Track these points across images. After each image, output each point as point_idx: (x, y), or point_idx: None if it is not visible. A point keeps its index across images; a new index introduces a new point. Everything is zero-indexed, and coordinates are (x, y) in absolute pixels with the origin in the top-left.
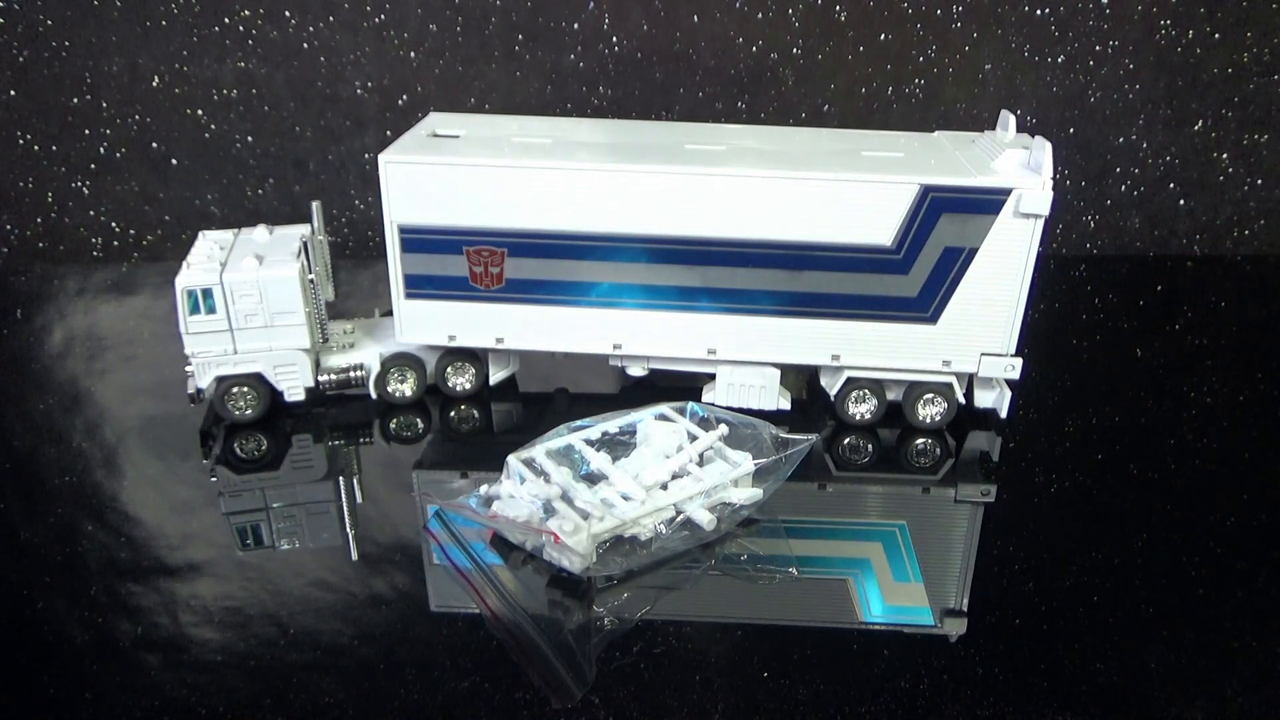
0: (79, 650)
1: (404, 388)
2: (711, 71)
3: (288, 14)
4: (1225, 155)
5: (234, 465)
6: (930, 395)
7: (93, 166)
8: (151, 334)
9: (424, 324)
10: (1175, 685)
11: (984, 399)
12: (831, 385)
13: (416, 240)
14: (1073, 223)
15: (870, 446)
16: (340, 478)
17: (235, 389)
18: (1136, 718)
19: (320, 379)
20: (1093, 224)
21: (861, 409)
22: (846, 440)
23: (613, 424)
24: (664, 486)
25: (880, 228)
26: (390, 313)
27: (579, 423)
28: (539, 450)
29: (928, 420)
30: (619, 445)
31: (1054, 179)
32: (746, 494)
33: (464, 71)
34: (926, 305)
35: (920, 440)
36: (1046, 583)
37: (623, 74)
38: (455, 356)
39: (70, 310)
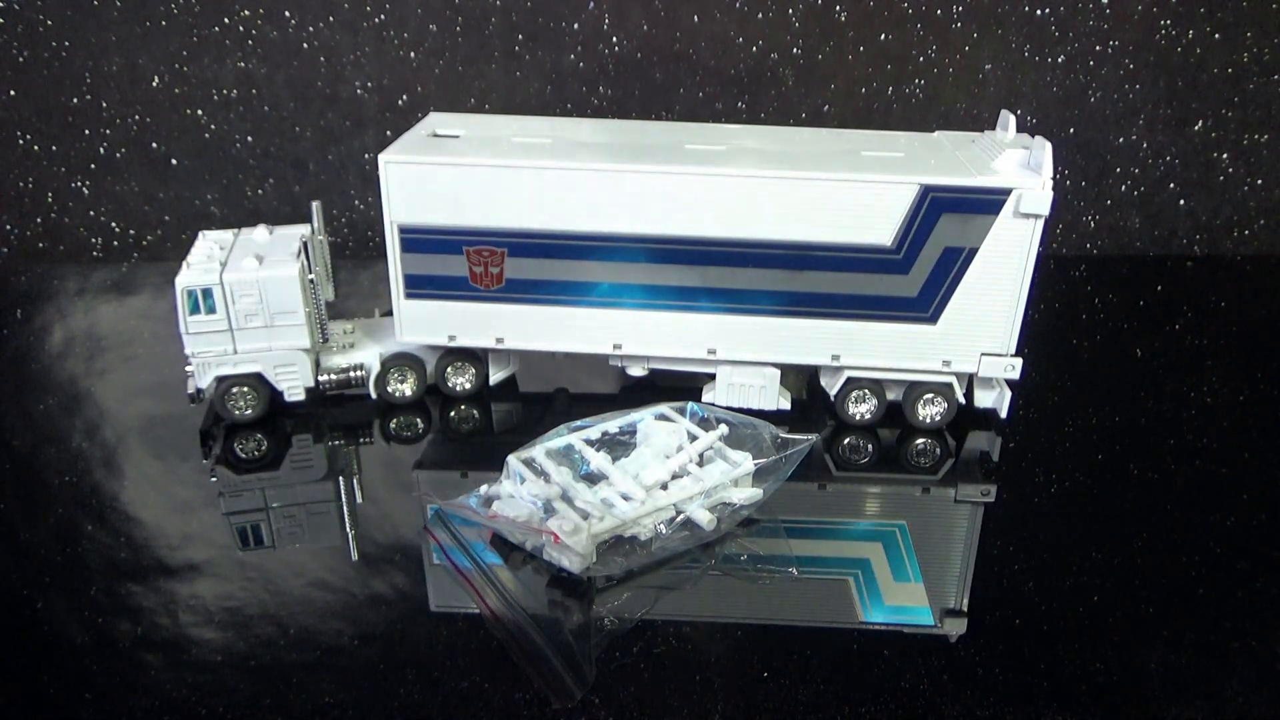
0: (79, 650)
1: (404, 388)
2: (711, 71)
3: (288, 14)
4: (1225, 155)
5: (234, 465)
6: (930, 395)
7: (93, 166)
8: (151, 334)
9: (424, 324)
10: (1175, 685)
11: (984, 399)
12: (831, 385)
13: (416, 240)
14: (1073, 223)
15: (870, 446)
16: (340, 478)
17: (235, 389)
18: (1136, 718)
19: (320, 379)
20: (1093, 224)
21: (861, 409)
22: (846, 440)
23: (613, 424)
24: (664, 486)
25: (880, 228)
26: (390, 313)
27: (579, 423)
28: (539, 450)
29: (928, 420)
30: (619, 445)
31: (1054, 179)
32: (746, 494)
33: (464, 71)
34: (926, 305)
35: (920, 440)
36: (1046, 583)
37: (623, 74)
38: (455, 356)
39: (70, 310)
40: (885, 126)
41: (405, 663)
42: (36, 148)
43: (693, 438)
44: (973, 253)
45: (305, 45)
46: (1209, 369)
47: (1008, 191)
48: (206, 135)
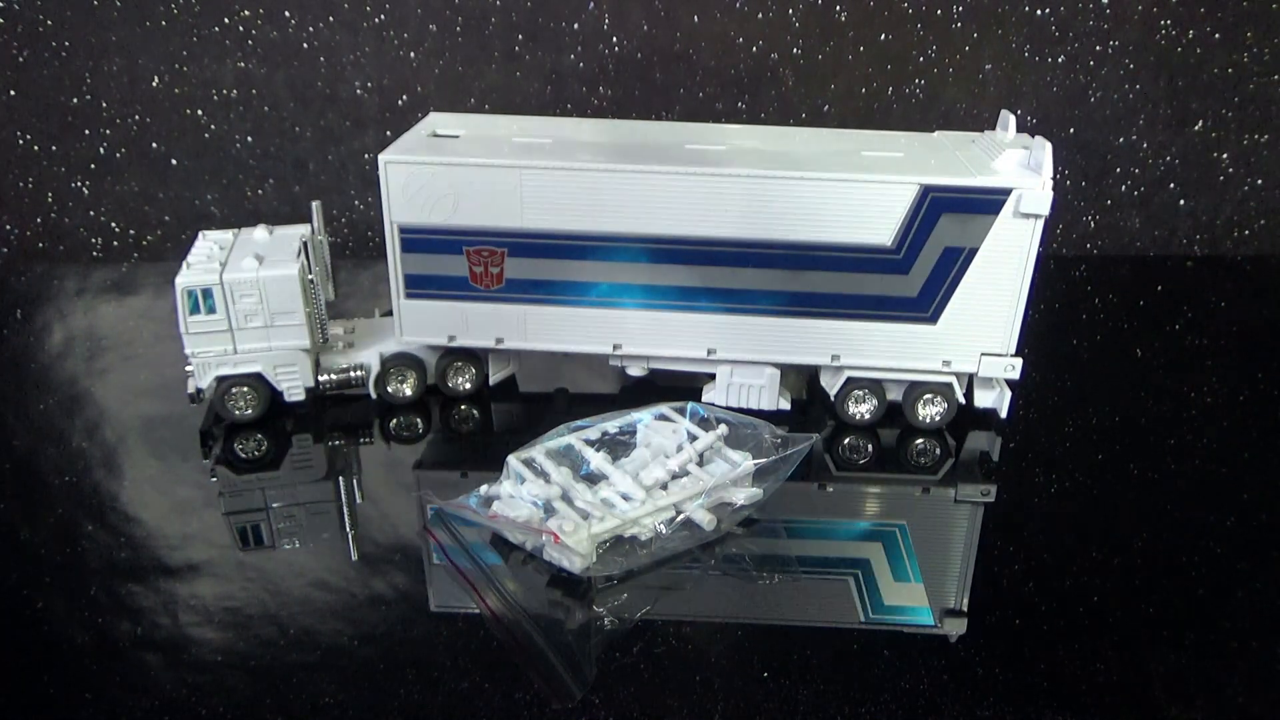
0: (79, 650)
1: (404, 388)
2: (711, 71)
3: (288, 14)
4: (1225, 155)
5: (234, 465)
6: (930, 395)
7: (93, 166)
8: (151, 334)
9: (424, 324)
10: (1175, 685)
11: (984, 399)
12: (831, 385)
13: (416, 240)
14: (1073, 223)
15: (870, 446)
16: (340, 478)
17: (235, 389)
18: (1136, 718)
19: (320, 379)
20: (1093, 224)
21: (861, 409)
22: (846, 440)
23: (613, 424)
24: (664, 486)
25: (880, 228)
26: (390, 313)
27: (579, 423)
28: (539, 450)
29: (928, 420)
30: (619, 445)
31: (1054, 179)
32: (746, 494)
33: (464, 71)
34: (926, 305)
35: (920, 440)
36: (1046, 583)
37: (623, 74)
38: (455, 356)
39: (70, 310)
40: (885, 126)
41: (405, 663)
42: (36, 148)
43: (693, 438)
44: (973, 253)
45: (305, 45)
46: (1209, 369)
47: (1008, 191)
48: (206, 135)
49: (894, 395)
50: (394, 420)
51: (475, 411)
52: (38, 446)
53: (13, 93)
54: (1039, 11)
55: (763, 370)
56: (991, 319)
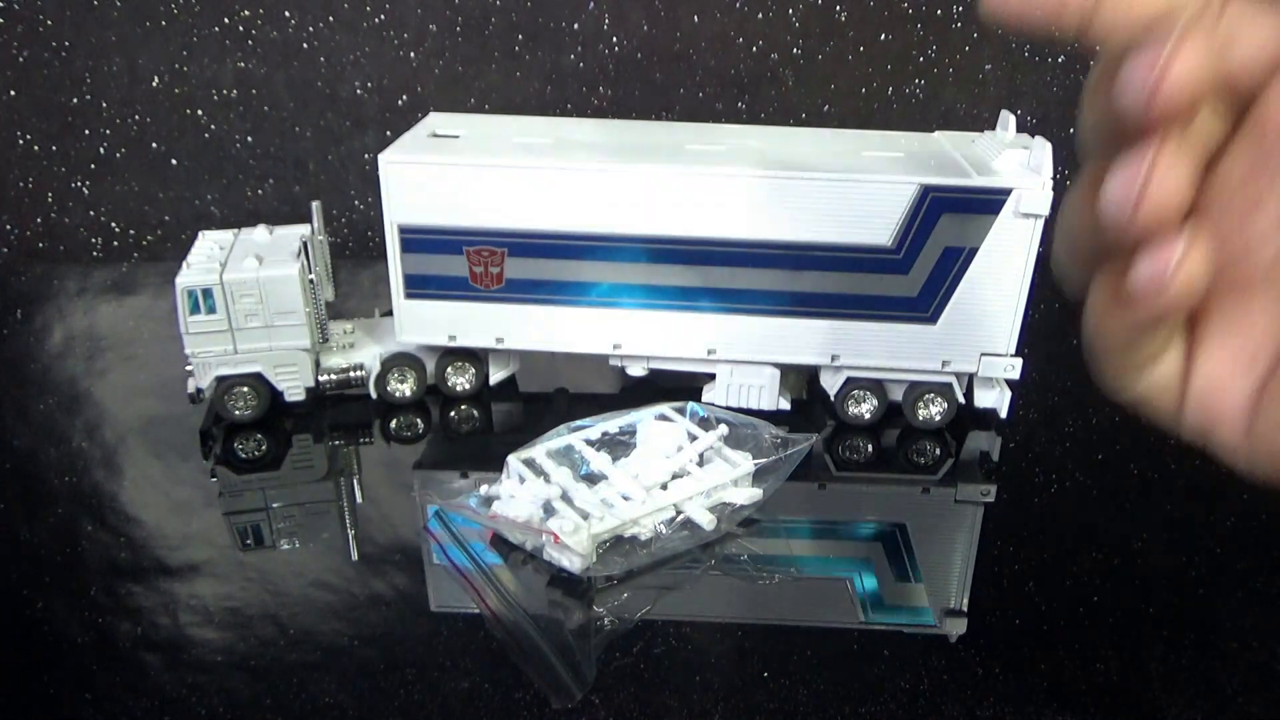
0: (79, 650)
1: (404, 388)
2: (711, 71)
3: (288, 14)
4: None
5: (234, 465)
6: (930, 395)
7: (93, 166)
8: (151, 334)
9: (424, 324)
10: (1175, 685)
11: (984, 399)
12: (831, 385)
13: (416, 240)
14: None
15: (870, 446)
16: (340, 478)
17: (235, 389)
18: (1136, 718)
19: (320, 379)
20: None
21: (861, 409)
22: (846, 440)
23: (613, 424)
24: (664, 486)
25: (880, 228)
26: (390, 313)
27: (579, 423)
28: (539, 450)
29: (928, 420)
30: (619, 445)
31: (1054, 179)
32: (746, 494)
33: (464, 71)
34: (926, 305)
35: (920, 440)
36: (1046, 583)
37: (623, 74)
38: (455, 356)
39: (70, 310)
40: (885, 126)
41: (405, 663)
42: (36, 148)
43: (693, 438)
44: (973, 253)
45: (305, 45)
46: None
47: (1008, 191)
48: (206, 135)
49: (894, 395)
50: (394, 420)
51: (475, 411)
52: (38, 446)
53: (13, 93)
54: None
55: (763, 370)
56: (991, 319)
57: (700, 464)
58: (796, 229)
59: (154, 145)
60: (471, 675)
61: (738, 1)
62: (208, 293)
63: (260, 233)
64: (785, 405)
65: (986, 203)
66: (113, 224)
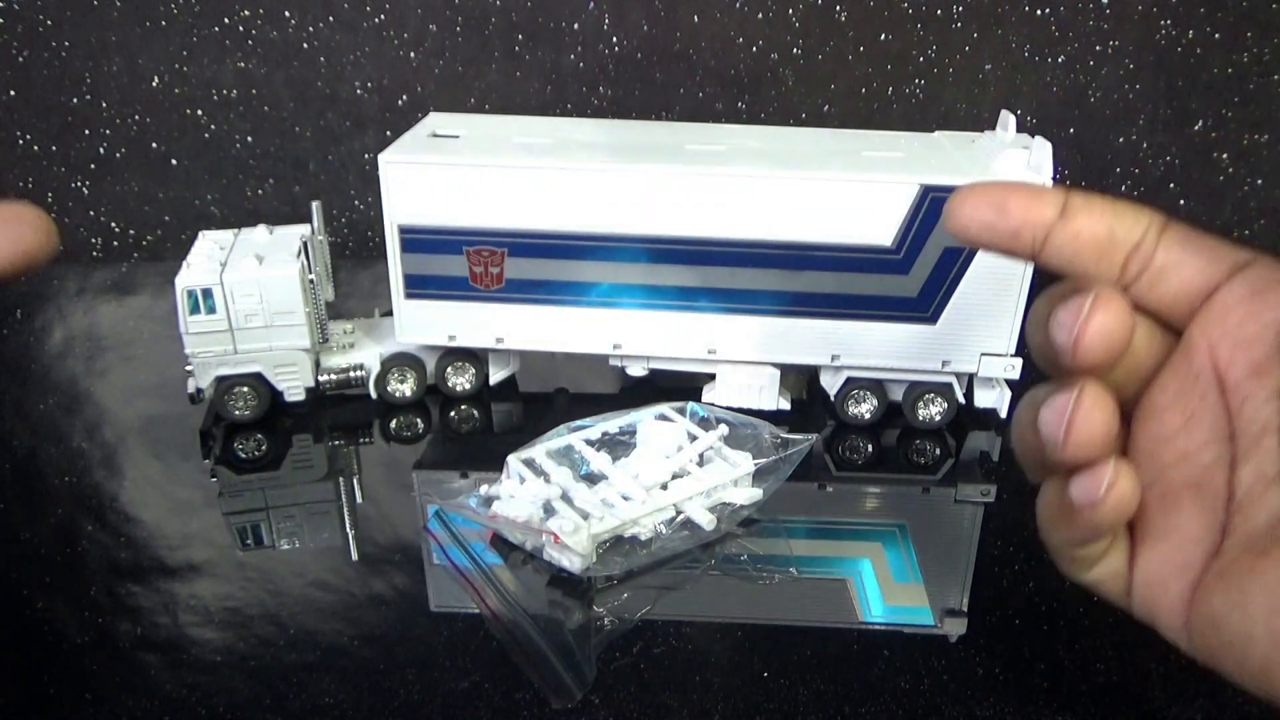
0: (79, 650)
1: (404, 388)
2: (711, 71)
3: (288, 14)
4: (1225, 155)
5: (234, 465)
6: (930, 395)
7: (93, 166)
8: (151, 334)
9: (424, 324)
10: (1175, 685)
11: (984, 399)
12: (831, 385)
13: (416, 240)
14: None
15: (870, 446)
16: (340, 478)
17: (235, 389)
18: (1136, 717)
19: (320, 379)
20: None
21: (861, 409)
22: (846, 440)
23: (613, 424)
24: (664, 486)
25: (880, 228)
26: (390, 313)
27: (579, 423)
28: (539, 450)
29: (928, 420)
30: (619, 445)
31: (1054, 179)
32: (746, 494)
33: (464, 71)
34: (926, 305)
35: (920, 440)
36: (1046, 583)
37: (623, 74)
38: (455, 356)
39: (70, 310)
40: (885, 126)
41: (405, 663)
42: (36, 148)
43: (693, 438)
44: (973, 253)
45: (305, 45)
46: None
47: None
48: (206, 135)
49: (894, 395)
50: (394, 420)
51: (475, 411)
52: (38, 446)
53: (13, 93)
54: (1039, 11)
55: (763, 370)
56: (991, 319)
57: (700, 464)
58: (796, 229)
59: (154, 145)
60: (471, 675)
61: (738, 1)
62: (208, 293)
63: (260, 233)
64: (785, 405)
65: None
66: (113, 224)
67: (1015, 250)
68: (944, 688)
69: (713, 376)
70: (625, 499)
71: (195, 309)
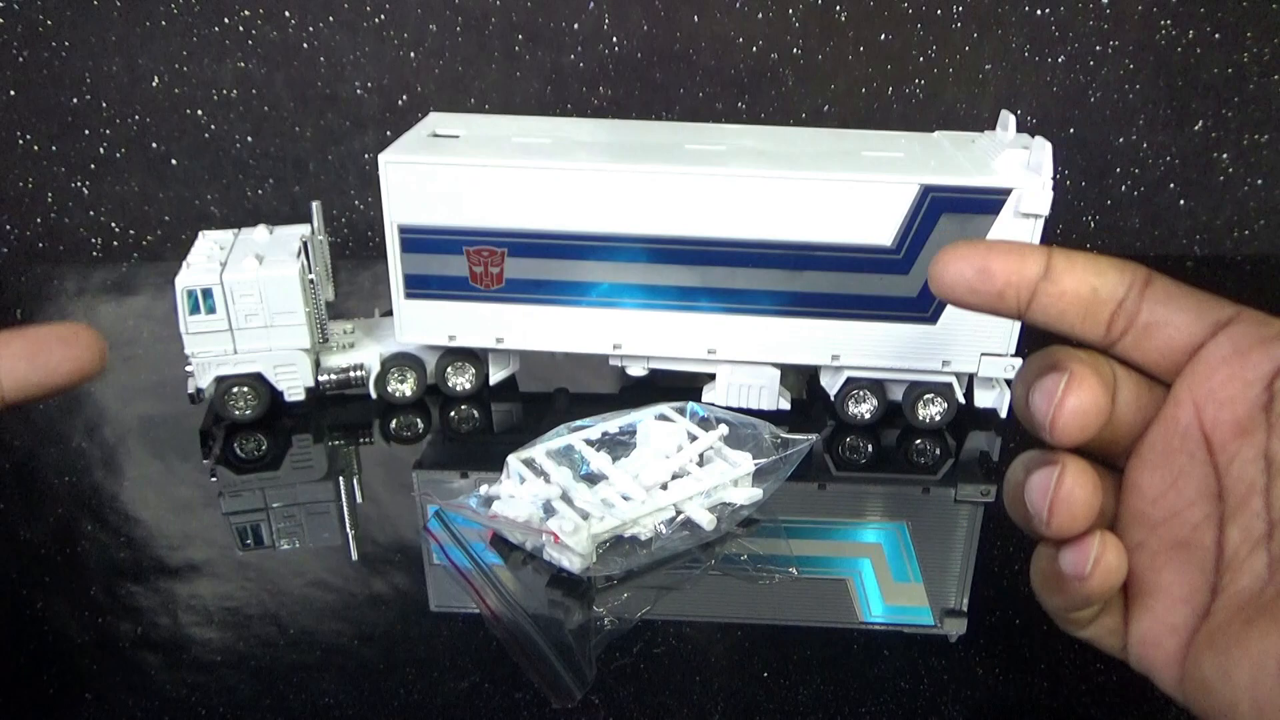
0: (79, 650)
1: (404, 388)
2: (711, 71)
3: (288, 14)
4: (1225, 155)
5: (234, 465)
6: (930, 395)
7: (93, 166)
8: (151, 334)
9: (424, 324)
10: None
11: (984, 399)
12: (831, 385)
13: (416, 240)
14: (1073, 223)
15: (870, 446)
16: (340, 478)
17: (235, 389)
18: (1136, 717)
19: (320, 379)
20: (1093, 224)
21: (861, 409)
22: (846, 440)
23: (613, 424)
24: (664, 486)
25: (880, 228)
26: (390, 313)
27: (579, 423)
28: (539, 450)
29: (928, 420)
30: (619, 445)
31: (1054, 179)
32: (746, 494)
33: (464, 71)
34: (926, 305)
35: (920, 440)
36: None
37: (623, 74)
38: (455, 356)
39: (70, 310)
40: (885, 126)
41: (405, 663)
42: (36, 148)
43: (693, 438)
44: None
45: (305, 45)
46: None
47: (1008, 191)
48: (206, 135)
49: (894, 395)
50: (394, 420)
51: (475, 411)
52: (38, 446)
53: (13, 93)
54: (1039, 11)
55: (763, 370)
56: (991, 319)
57: (700, 464)
58: (796, 229)
59: (154, 145)
60: (471, 675)
61: (738, 1)
62: (208, 293)
63: (260, 233)
64: (785, 405)
65: (986, 202)
66: (113, 224)
67: (1001, 310)
68: (944, 688)
69: (713, 376)
70: (625, 499)
71: (195, 309)
